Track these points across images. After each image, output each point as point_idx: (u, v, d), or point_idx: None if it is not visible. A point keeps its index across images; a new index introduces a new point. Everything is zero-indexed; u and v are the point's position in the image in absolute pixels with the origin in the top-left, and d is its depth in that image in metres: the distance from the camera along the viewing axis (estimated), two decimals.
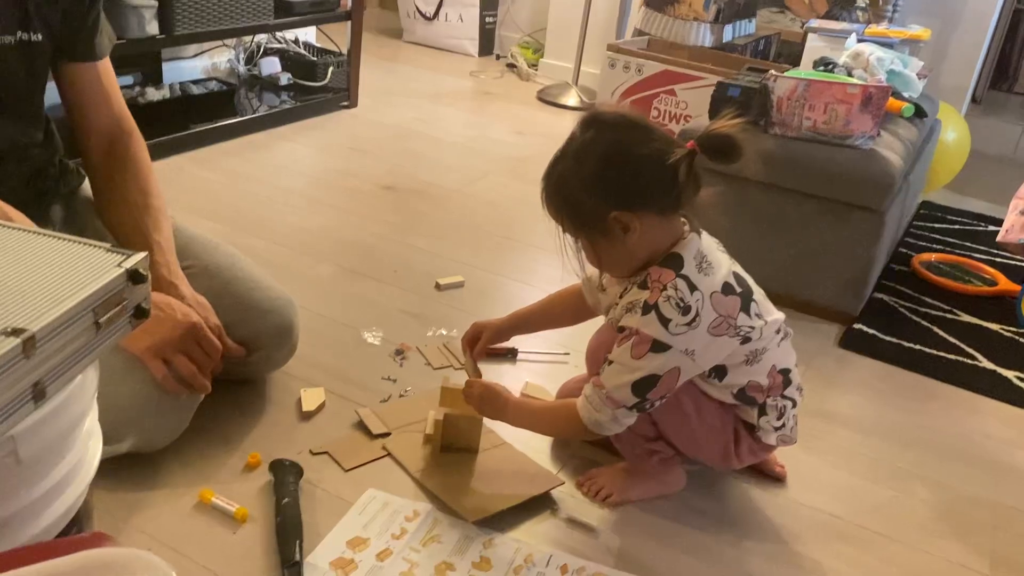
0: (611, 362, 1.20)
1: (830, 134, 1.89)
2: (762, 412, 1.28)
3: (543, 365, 1.67)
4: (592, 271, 1.32)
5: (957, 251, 2.48)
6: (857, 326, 1.96)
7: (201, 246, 1.43)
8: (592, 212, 1.18)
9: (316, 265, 1.98)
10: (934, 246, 2.50)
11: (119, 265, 0.79)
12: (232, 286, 1.39)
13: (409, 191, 2.48)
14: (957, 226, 2.71)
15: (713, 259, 1.21)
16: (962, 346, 1.93)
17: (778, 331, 1.27)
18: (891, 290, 2.18)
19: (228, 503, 1.20)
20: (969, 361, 1.88)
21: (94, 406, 0.86)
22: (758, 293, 1.26)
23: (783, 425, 1.30)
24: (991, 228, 2.69)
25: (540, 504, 1.30)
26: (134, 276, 0.80)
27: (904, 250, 2.44)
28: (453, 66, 4.08)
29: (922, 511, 1.41)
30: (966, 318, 2.08)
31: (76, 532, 0.83)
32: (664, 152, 1.14)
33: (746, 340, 1.21)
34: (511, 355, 1.67)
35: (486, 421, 1.38)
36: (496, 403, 1.32)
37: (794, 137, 1.92)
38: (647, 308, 1.17)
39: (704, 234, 1.23)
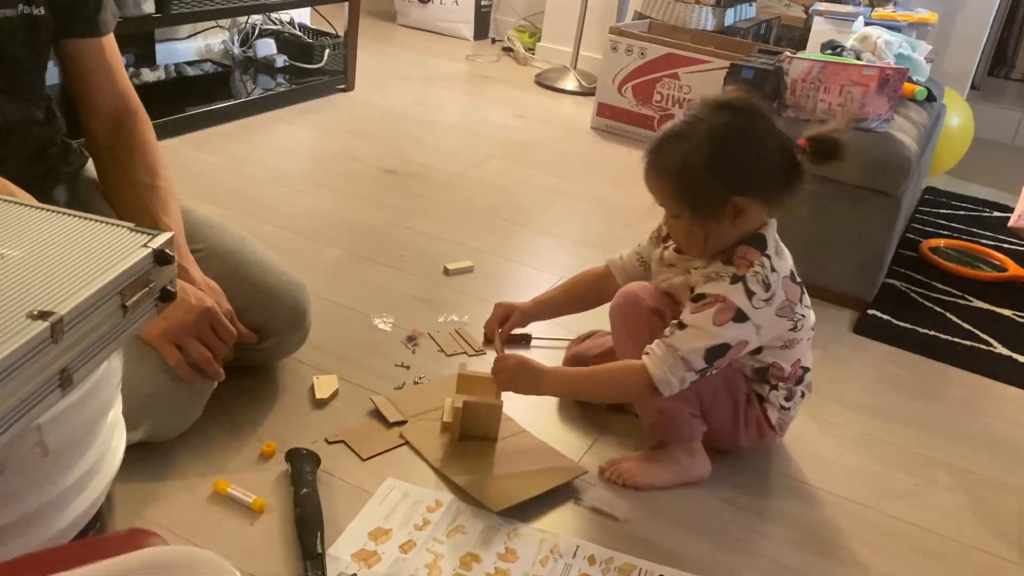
0: (685, 326, 1.21)
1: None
2: (773, 387, 1.33)
3: (558, 351, 1.64)
4: (647, 251, 1.40)
5: (964, 237, 2.46)
6: (871, 312, 1.94)
7: (210, 229, 1.39)
8: (711, 194, 1.20)
9: (321, 249, 1.94)
10: (940, 232, 2.48)
11: (145, 245, 0.75)
12: (243, 270, 1.35)
13: (410, 175, 2.43)
14: (963, 212, 2.69)
15: (782, 247, 1.27)
16: (976, 332, 1.91)
17: (812, 328, 1.34)
18: (901, 275, 2.16)
19: (245, 493, 1.16)
20: (984, 347, 1.86)
21: (118, 396, 0.82)
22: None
23: (788, 409, 1.35)
24: (997, 214, 2.68)
25: (563, 493, 1.27)
26: (160, 257, 0.76)
27: (911, 235, 2.42)
28: (449, 50, 4.01)
29: (947, 498, 1.39)
30: (978, 304, 2.06)
31: (98, 527, 0.79)
32: (787, 143, 1.19)
33: (794, 327, 1.27)
34: (525, 341, 1.64)
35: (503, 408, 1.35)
36: (532, 374, 1.29)
37: (808, 120, 1.89)
38: (736, 279, 1.20)
39: None
